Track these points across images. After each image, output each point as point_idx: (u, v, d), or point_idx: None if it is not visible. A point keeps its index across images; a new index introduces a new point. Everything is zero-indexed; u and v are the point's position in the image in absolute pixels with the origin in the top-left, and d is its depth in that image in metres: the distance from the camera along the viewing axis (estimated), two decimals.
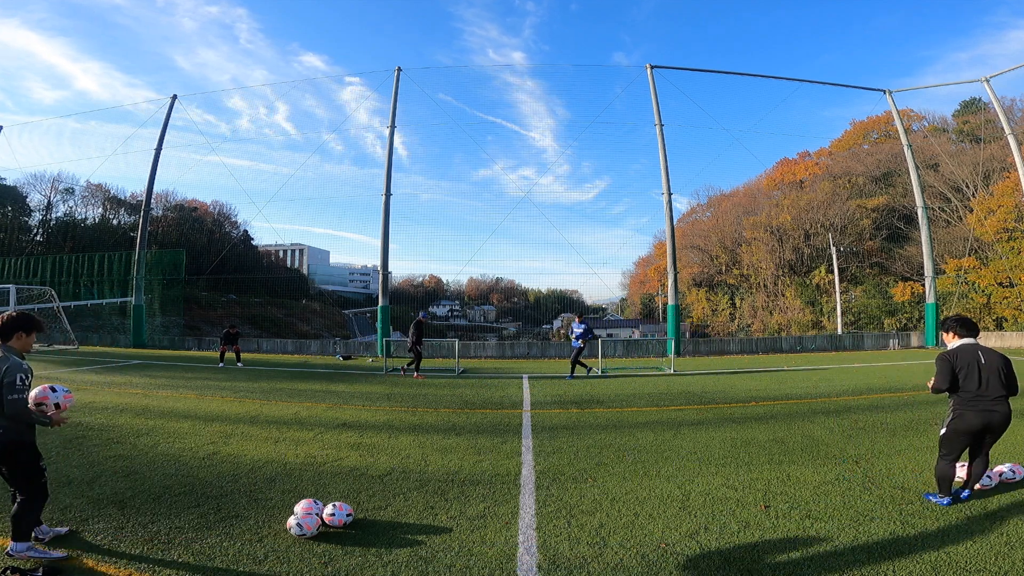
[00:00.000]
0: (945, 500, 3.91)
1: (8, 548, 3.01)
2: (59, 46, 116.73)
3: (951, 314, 4.10)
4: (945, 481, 3.94)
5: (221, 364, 14.29)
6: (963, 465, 4.15)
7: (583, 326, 11.98)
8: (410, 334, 12.86)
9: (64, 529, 3.49)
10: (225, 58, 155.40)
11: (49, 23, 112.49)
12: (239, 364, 14.55)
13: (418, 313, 13.31)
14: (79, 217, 47.75)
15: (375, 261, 22.12)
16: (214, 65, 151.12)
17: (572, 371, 12.02)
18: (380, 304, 19.78)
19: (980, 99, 39.73)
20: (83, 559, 3.10)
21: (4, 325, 3.13)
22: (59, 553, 3.08)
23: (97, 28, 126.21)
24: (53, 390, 3.31)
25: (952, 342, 3.99)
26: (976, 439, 3.86)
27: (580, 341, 11.87)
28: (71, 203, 47.22)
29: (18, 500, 3.08)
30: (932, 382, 3.96)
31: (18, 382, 2.98)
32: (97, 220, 48.49)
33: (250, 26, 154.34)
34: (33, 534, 3.32)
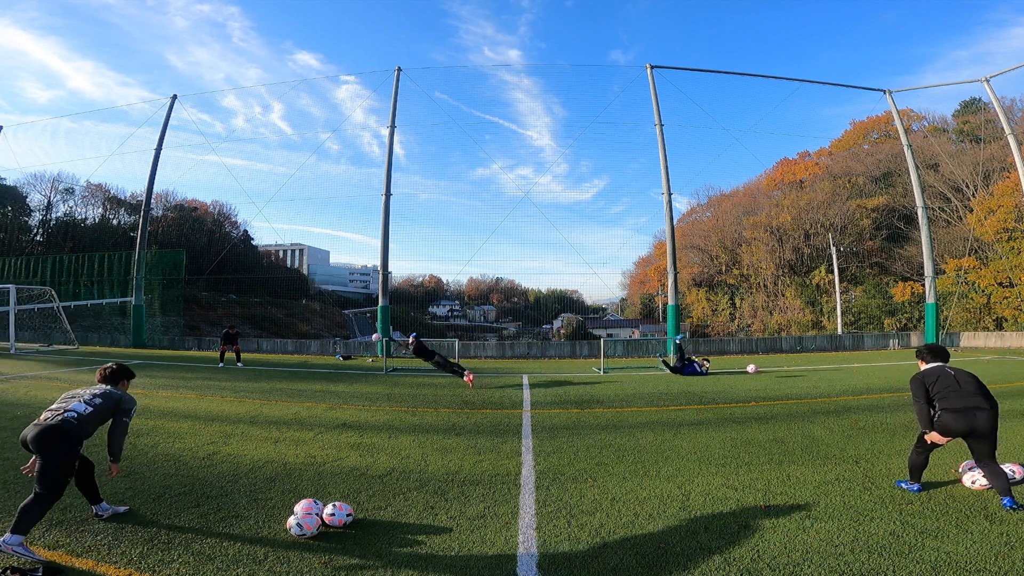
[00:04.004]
0: (915, 487, 4.18)
1: (4, 538, 3.02)
2: (51, 45, 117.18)
3: (923, 344, 4.54)
4: (916, 470, 4.19)
5: (221, 364, 14.28)
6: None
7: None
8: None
9: (124, 508, 3.85)
10: (218, 56, 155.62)
11: (40, 22, 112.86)
12: (239, 364, 14.54)
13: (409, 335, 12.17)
14: (79, 217, 47.75)
15: (375, 261, 22.13)
16: (207, 64, 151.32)
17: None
18: (380, 304, 19.77)
19: (980, 99, 39.73)
20: (83, 559, 3.10)
21: (113, 374, 3.87)
22: (42, 557, 3.05)
23: (88, 27, 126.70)
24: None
25: (923, 367, 4.30)
26: (973, 446, 3.91)
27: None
28: (71, 203, 47.25)
29: (35, 493, 3.15)
30: (919, 422, 4.13)
31: (133, 410, 3.77)
32: (97, 220, 48.46)
33: (243, 24, 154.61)
34: (93, 510, 3.74)
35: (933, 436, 3.97)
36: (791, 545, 3.28)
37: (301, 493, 4.18)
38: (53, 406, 3.47)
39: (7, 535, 3.02)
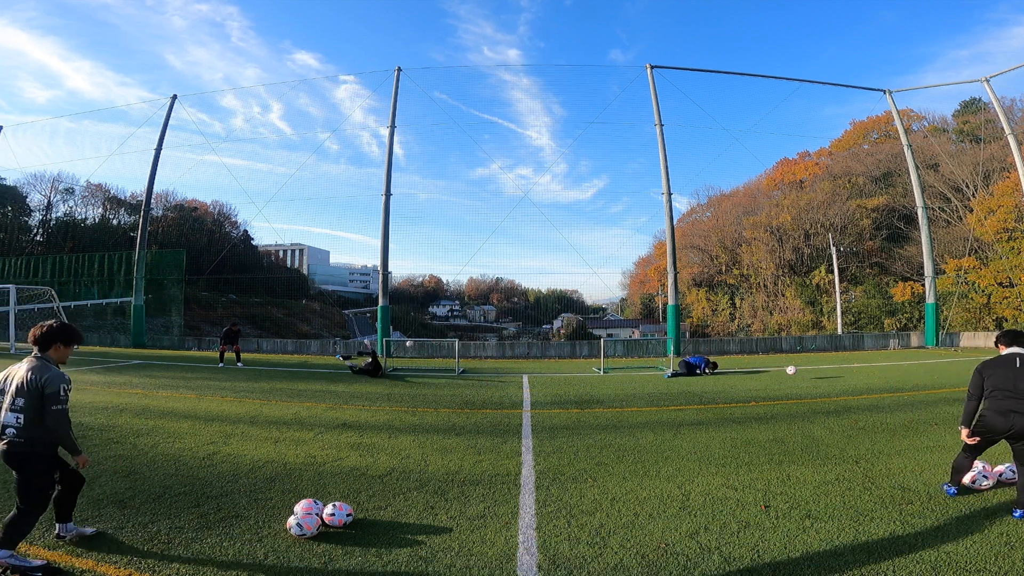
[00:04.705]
0: (951, 490, 4.11)
1: None
2: (49, 45, 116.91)
3: (1002, 330, 4.29)
4: (958, 472, 4.11)
5: (221, 364, 14.29)
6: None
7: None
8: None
9: (91, 530, 3.45)
10: (217, 56, 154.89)
11: (38, 21, 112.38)
12: (239, 364, 14.54)
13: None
14: (79, 217, 47.83)
15: (375, 261, 22.15)
16: (206, 64, 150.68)
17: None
18: (380, 304, 19.79)
19: (980, 99, 39.73)
20: (83, 559, 3.10)
21: (43, 335, 3.14)
22: (38, 562, 2.98)
23: (87, 26, 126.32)
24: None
25: (1001, 351, 4.00)
26: (1013, 446, 3.77)
27: None
28: (71, 203, 47.34)
29: (17, 509, 3.01)
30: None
31: (61, 393, 3.03)
32: (97, 220, 48.52)
33: (241, 24, 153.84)
34: (56, 530, 3.35)
35: (963, 433, 3.90)
36: (791, 545, 3.28)
37: (301, 493, 4.18)
38: None
39: None
